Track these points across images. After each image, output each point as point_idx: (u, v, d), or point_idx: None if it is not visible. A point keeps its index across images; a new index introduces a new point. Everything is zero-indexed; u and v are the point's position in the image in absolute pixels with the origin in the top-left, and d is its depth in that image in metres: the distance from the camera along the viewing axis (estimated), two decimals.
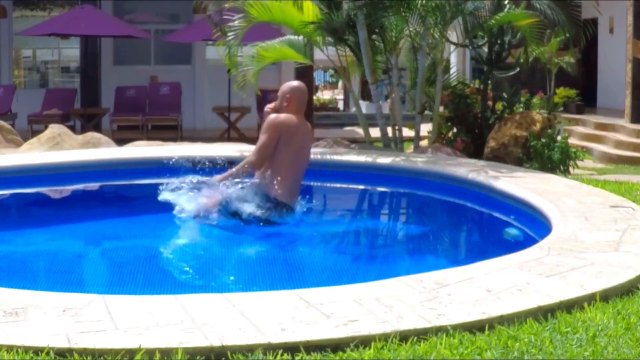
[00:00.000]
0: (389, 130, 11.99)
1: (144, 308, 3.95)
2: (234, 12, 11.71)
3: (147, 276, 5.84)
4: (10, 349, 3.47)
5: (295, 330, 3.68)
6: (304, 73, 18.03)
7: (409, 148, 12.14)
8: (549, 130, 10.67)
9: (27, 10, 21.69)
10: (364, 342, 3.62)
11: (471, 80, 19.89)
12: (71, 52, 22.21)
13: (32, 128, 17.29)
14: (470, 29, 11.69)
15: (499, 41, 12.17)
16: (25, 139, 12.21)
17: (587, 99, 20.74)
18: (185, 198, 6.81)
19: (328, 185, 9.43)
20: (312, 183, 8.64)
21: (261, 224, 6.65)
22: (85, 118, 18.45)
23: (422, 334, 3.71)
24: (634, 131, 16.13)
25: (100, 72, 20.12)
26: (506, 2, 11.73)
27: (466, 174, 8.33)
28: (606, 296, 4.32)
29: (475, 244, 7.54)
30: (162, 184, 6.94)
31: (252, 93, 13.47)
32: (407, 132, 12.93)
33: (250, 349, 3.51)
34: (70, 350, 3.45)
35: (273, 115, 6.91)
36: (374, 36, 11.74)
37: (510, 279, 4.49)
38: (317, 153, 10.08)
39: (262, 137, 6.86)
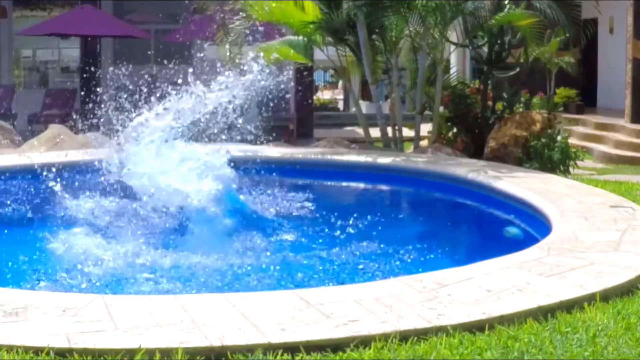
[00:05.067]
0: (389, 130, 12.00)
1: (144, 308, 3.95)
2: (234, 13, 11.72)
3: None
4: (10, 349, 3.47)
5: (295, 330, 3.68)
6: (304, 73, 18.09)
7: (409, 148, 12.15)
8: (549, 130, 10.67)
9: (27, 10, 21.67)
10: (364, 342, 3.62)
11: (471, 80, 19.83)
12: (71, 52, 22.20)
13: (32, 128, 17.27)
14: (470, 29, 11.69)
15: (499, 41, 12.17)
16: (25, 139, 12.21)
17: (587, 99, 20.69)
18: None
19: (328, 184, 9.42)
20: (312, 182, 8.64)
21: None
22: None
23: (422, 334, 3.71)
24: (634, 131, 16.10)
25: (100, 72, 20.11)
26: (506, 2, 11.72)
27: (466, 174, 8.34)
28: (606, 296, 4.33)
29: (476, 244, 7.54)
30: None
31: None
32: (407, 132, 12.93)
33: (250, 349, 3.51)
34: (70, 350, 3.45)
35: None
36: (374, 36, 11.75)
37: (510, 279, 4.49)
38: (317, 153, 10.10)
39: None
